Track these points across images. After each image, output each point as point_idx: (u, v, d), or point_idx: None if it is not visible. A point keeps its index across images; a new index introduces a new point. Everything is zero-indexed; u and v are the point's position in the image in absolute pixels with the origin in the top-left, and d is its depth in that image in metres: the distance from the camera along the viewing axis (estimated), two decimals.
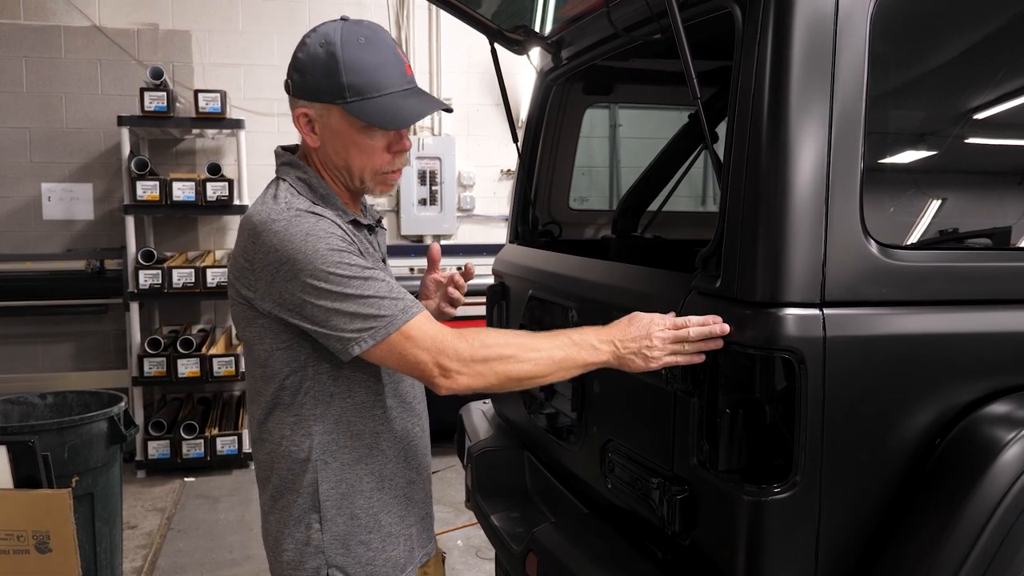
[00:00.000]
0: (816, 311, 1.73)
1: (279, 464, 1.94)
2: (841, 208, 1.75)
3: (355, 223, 1.91)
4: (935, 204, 2.10)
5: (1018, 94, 2.18)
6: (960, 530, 1.69)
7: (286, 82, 1.86)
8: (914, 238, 2.03)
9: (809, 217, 1.73)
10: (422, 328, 1.76)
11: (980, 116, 2.17)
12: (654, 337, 1.81)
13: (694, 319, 1.81)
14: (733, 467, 1.80)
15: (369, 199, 2.15)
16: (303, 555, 1.92)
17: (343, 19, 1.87)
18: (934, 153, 2.20)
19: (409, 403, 2.02)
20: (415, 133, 7.12)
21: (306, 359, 1.85)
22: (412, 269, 6.90)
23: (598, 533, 2.34)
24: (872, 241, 1.78)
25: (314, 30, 1.84)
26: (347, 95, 1.78)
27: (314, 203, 1.83)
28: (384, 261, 2.02)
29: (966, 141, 2.22)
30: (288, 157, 1.94)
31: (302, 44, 1.84)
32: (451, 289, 2.25)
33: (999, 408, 1.81)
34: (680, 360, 1.81)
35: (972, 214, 2.13)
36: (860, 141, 1.77)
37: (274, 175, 1.94)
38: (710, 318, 1.80)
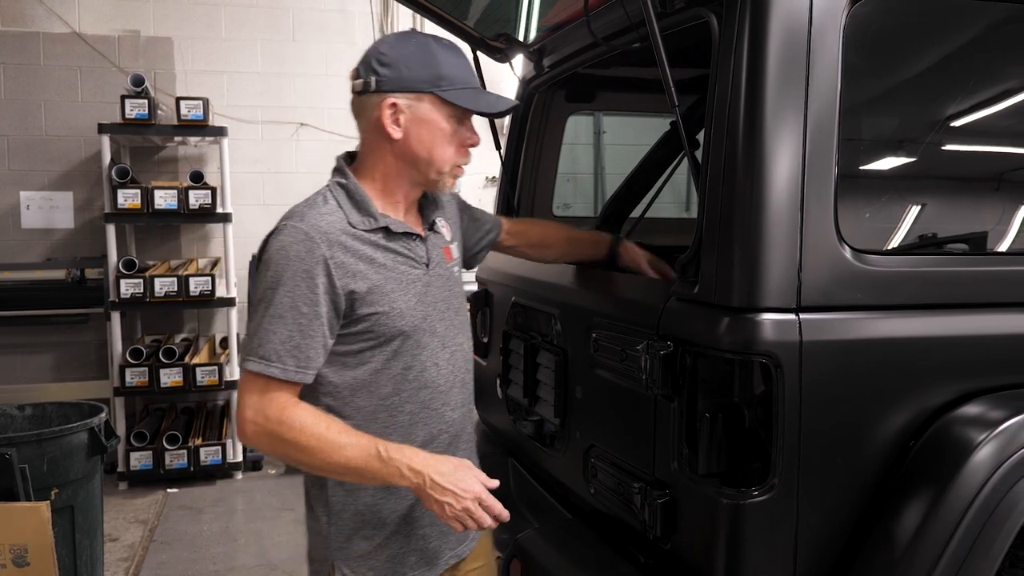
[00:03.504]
0: (792, 316, 1.76)
1: None
2: (816, 215, 1.78)
3: (386, 231, 1.95)
4: (908, 210, 2.13)
5: (989, 103, 2.21)
6: (934, 530, 1.72)
7: (364, 82, 1.93)
8: (887, 244, 2.06)
9: (785, 224, 1.76)
10: (265, 385, 1.83)
11: (952, 124, 2.20)
12: (462, 504, 1.80)
13: (499, 511, 1.84)
14: (713, 471, 1.82)
15: None
16: (316, 544, 2.04)
17: (412, 31, 2.03)
18: (907, 160, 2.23)
19: (437, 409, 2.01)
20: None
21: None
22: None
23: (581, 538, 2.36)
24: (846, 247, 1.81)
25: (390, 35, 1.99)
26: (443, 84, 1.91)
27: (343, 208, 1.92)
28: (427, 265, 2.02)
29: (938, 149, 2.26)
30: (339, 163, 2.03)
31: (383, 43, 1.95)
32: None
33: (971, 410, 1.84)
34: (455, 525, 1.82)
35: (944, 220, 2.16)
36: (834, 149, 1.80)
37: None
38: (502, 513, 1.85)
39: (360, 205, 1.94)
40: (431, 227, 2.09)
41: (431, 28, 3.13)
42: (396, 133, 1.93)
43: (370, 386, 1.94)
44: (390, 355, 1.94)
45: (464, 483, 1.82)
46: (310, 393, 1.92)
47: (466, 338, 2.14)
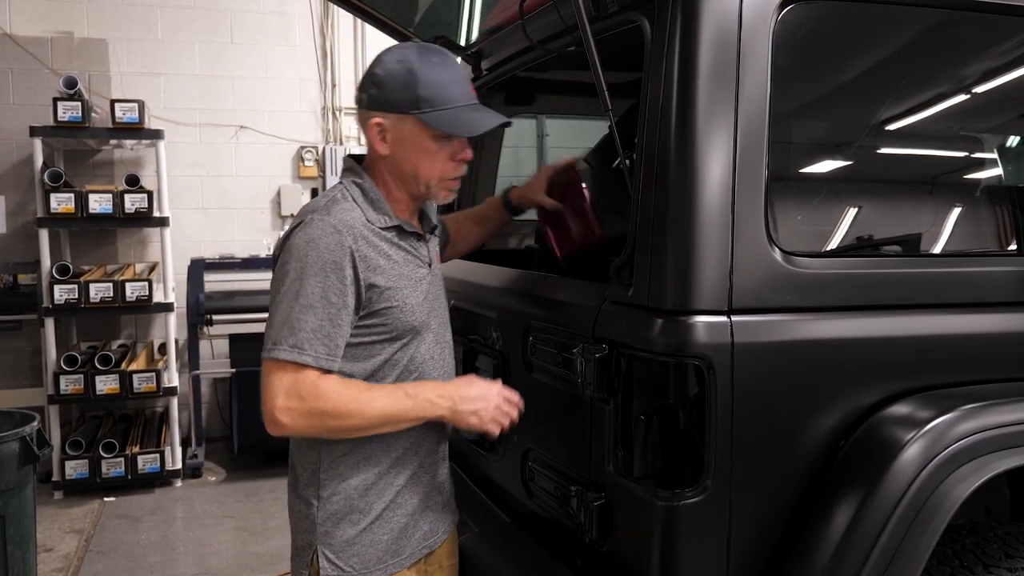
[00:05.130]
0: (724, 318, 1.77)
1: (297, 439, 2.11)
2: (747, 218, 1.79)
3: (399, 229, 2.04)
4: (838, 213, 2.16)
5: (919, 108, 2.26)
6: (863, 528, 1.74)
7: (360, 97, 2.04)
8: (818, 246, 2.09)
9: (716, 227, 1.77)
10: (296, 371, 1.88)
11: (882, 128, 2.24)
12: (492, 403, 2.01)
13: (516, 400, 2.06)
14: (648, 473, 1.83)
15: None
16: (301, 529, 2.08)
17: (414, 43, 2.09)
18: (838, 164, 2.27)
19: None
20: (341, 143, 7.09)
21: None
22: None
23: (519, 542, 2.36)
24: (777, 249, 1.83)
25: (389, 51, 2.03)
26: (422, 106, 1.96)
27: (359, 206, 2.01)
28: (430, 265, 2.13)
29: (869, 152, 2.29)
30: (350, 163, 2.12)
31: (379, 62, 2.01)
32: None
33: (899, 409, 1.87)
34: (493, 428, 2.01)
35: (874, 223, 2.20)
36: (764, 152, 1.82)
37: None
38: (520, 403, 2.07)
39: (375, 204, 2.03)
40: (432, 231, 2.21)
41: (372, 29, 3.11)
42: (384, 150, 2.02)
43: (375, 377, 2.02)
44: (398, 349, 2.03)
45: (483, 389, 2.01)
46: None
47: (450, 335, 2.24)
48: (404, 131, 1.99)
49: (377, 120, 2.00)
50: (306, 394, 1.87)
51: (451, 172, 2.06)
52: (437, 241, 2.27)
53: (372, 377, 2.01)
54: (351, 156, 2.15)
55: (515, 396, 2.05)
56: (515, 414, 2.04)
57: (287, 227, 1.99)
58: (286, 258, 1.93)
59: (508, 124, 2.11)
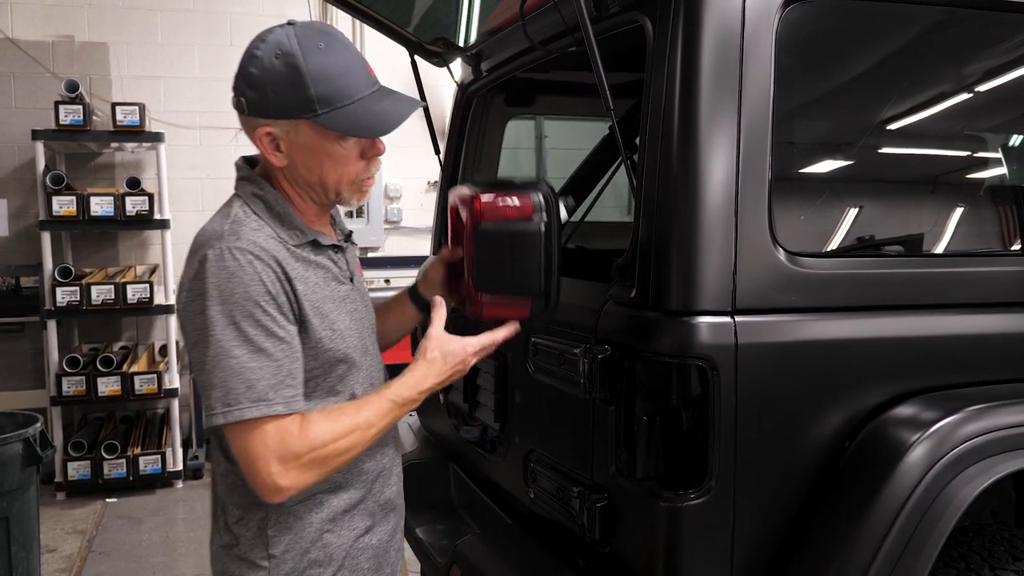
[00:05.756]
0: (728, 319, 1.77)
1: (234, 494, 1.81)
2: (750, 218, 1.78)
3: (315, 244, 1.79)
4: (842, 213, 2.15)
5: (922, 107, 2.25)
6: (868, 530, 1.73)
7: (237, 101, 1.71)
8: (821, 246, 2.08)
9: (719, 227, 1.76)
10: (274, 427, 1.61)
11: (886, 127, 2.23)
12: (469, 361, 1.85)
13: (495, 335, 1.88)
14: (651, 474, 1.82)
15: None
16: None
17: (290, 23, 1.70)
18: (841, 163, 2.26)
19: (383, 439, 1.86)
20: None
21: None
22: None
23: (521, 543, 2.35)
24: (781, 249, 1.82)
25: (262, 40, 1.68)
26: (317, 107, 1.65)
27: (266, 223, 1.73)
28: (352, 280, 1.88)
29: (872, 152, 2.29)
30: (246, 172, 1.81)
31: (252, 58, 1.68)
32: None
33: (904, 411, 1.86)
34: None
35: (878, 223, 2.19)
36: (768, 152, 1.81)
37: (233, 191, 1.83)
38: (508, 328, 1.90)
39: (283, 218, 1.75)
40: (347, 238, 1.95)
41: (371, 31, 3.10)
42: (280, 161, 1.73)
43: None
44: (336, 381, 1.79)
45: (455, 358, 1.81)
46: None
47: (381, 362, 2.00)
48: (300, 138, 1.70)
49: (266, 130, 1.69)
50: (299, 447, 1.61)
51: (362, 173, 1.78)
52: (355, 250, 2.00)
53: None
54: (245, 159, 1.84)
55: (485, 339, 1.86)
56: (491, 348, 1.88)
57: (190, 261, 1.70)
58: (204, 302, 1.61)
59: (424, 106, 1.91)
